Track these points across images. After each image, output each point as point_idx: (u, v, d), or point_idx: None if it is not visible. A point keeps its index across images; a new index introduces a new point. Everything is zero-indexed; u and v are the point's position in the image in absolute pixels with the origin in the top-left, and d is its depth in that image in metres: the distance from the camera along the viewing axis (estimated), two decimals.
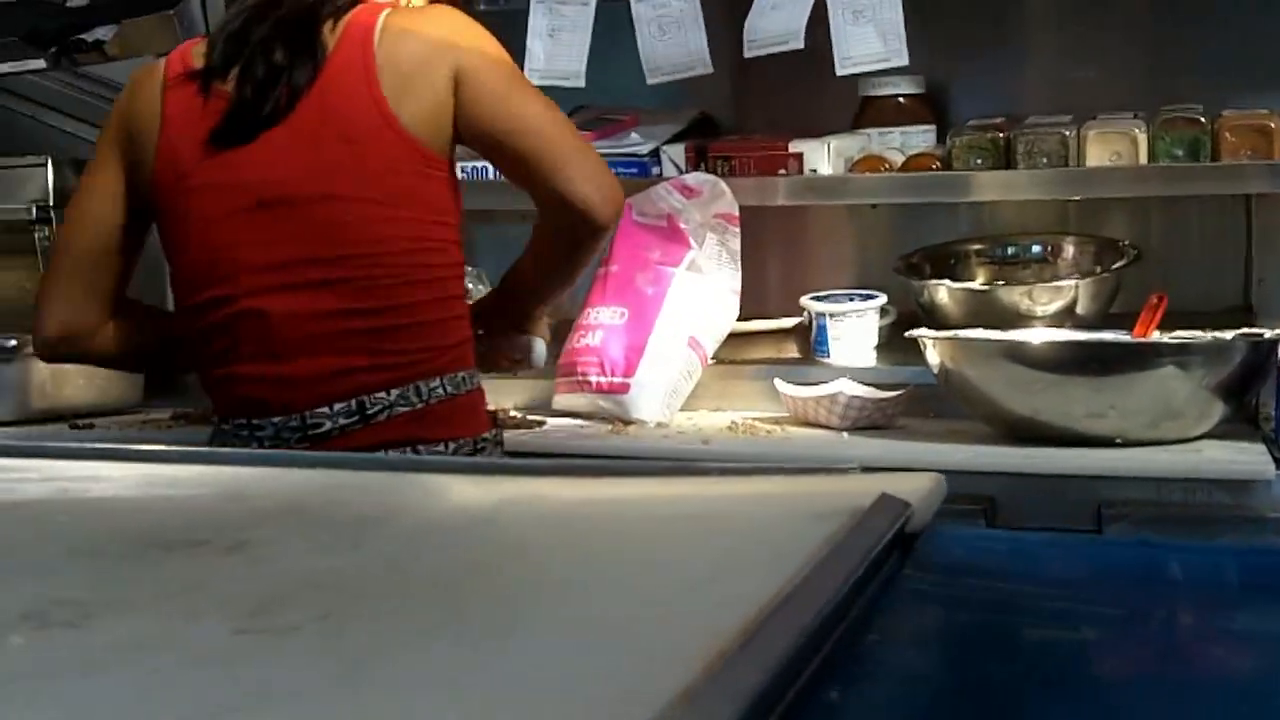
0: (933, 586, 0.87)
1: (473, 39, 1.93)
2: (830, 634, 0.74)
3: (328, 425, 1.86)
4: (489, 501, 1.06)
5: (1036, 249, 2.72)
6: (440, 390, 1.89)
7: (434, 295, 1.90)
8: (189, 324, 1.94)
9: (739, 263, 2.55)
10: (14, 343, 2.58)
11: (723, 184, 2.53)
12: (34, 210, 2.88)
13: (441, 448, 1.89)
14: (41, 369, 2.56)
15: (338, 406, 1.85)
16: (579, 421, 2.48)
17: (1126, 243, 2.62)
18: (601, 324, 2.49)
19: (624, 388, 2.45)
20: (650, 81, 2.56)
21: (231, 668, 0.72)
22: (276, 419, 1.87)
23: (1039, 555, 0.97)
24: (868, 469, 1.07)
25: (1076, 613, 0.86)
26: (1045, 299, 2.49)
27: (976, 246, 2.75)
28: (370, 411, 1.86)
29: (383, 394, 1.86)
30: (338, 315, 1.86)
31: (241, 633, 0.78)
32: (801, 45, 2.45)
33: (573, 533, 0.95)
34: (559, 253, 2.00)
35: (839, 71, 2.48)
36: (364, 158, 1.86)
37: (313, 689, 0.69)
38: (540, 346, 2.18)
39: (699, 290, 2.51)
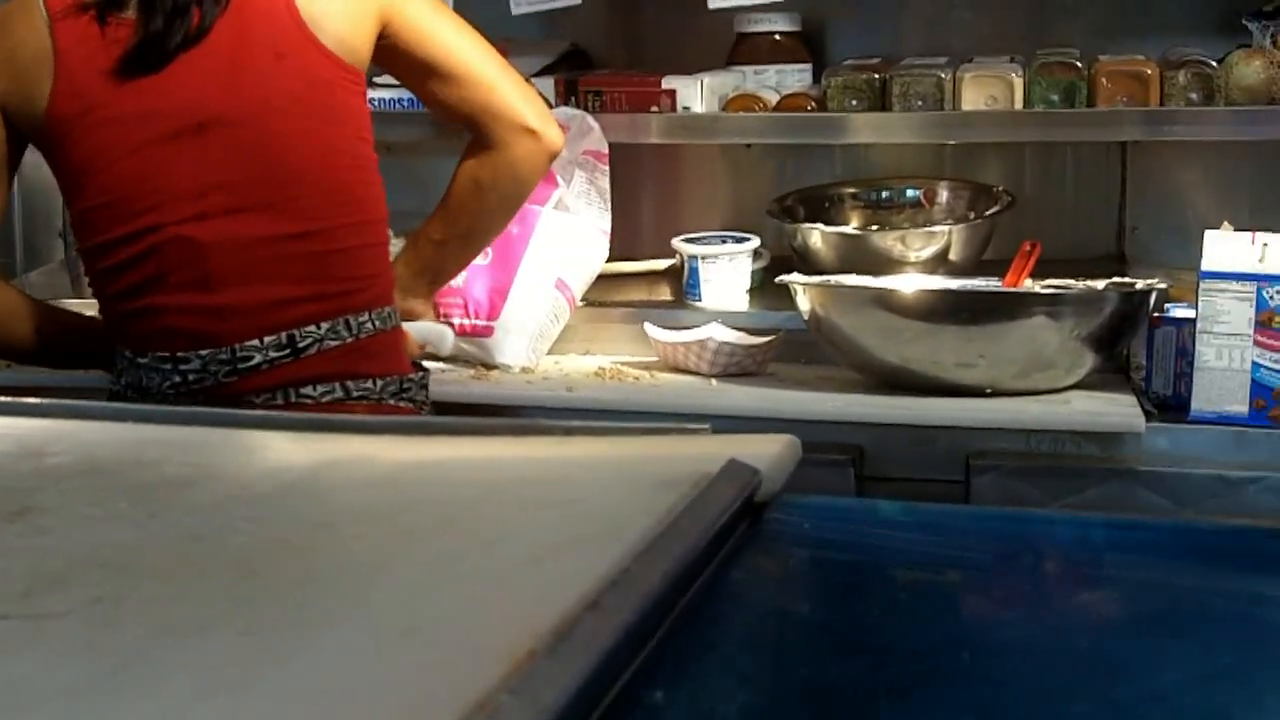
0: (776, 565, 0.81)
1: None
2: (658, 626, 0.67)
3: (257, 359, 1.81)
4: (309, 464, 0.98)
5: (911, 193, 2.66)
6: (369, 325, 1.86)
7: (362, 217, 1.86)
8: (100, 261, 1.84)
9: (609, 202, 2.46)
10: None
11: (590, 119, 2.44)
12: None
13: (370, 384, 1.86)
14: None
15: (268, 339, 1.81)
16: (441, 365, 2.39)
17: (1001, 189, 2.57)
18: None
19: (488, 331, 2.36)
20: (516, 12, 2.45)
21: None
22: (205, 352, 1.81)
23: (892, 525, 0.91)
24: (720, 429, 1.00)
25: (921, 597, 0.79)
26: (918, 244, 2.44)
27: (851, 190, 2.69)
28: (301, 345, 1.82)
29: (313, 327, 1.82)
30: (271, 241, 1.81)
31: (4, 618, 0.70)
32: None
33: (393, 504, 0.87)
34: (507, 187, 1.98)
35: (711, 5, 2.40)
36: (292, 73, 1.81)
37: (67, 691, 0.60)
38: (450, 335, 2.15)
39: (566, 230, 2.42)
